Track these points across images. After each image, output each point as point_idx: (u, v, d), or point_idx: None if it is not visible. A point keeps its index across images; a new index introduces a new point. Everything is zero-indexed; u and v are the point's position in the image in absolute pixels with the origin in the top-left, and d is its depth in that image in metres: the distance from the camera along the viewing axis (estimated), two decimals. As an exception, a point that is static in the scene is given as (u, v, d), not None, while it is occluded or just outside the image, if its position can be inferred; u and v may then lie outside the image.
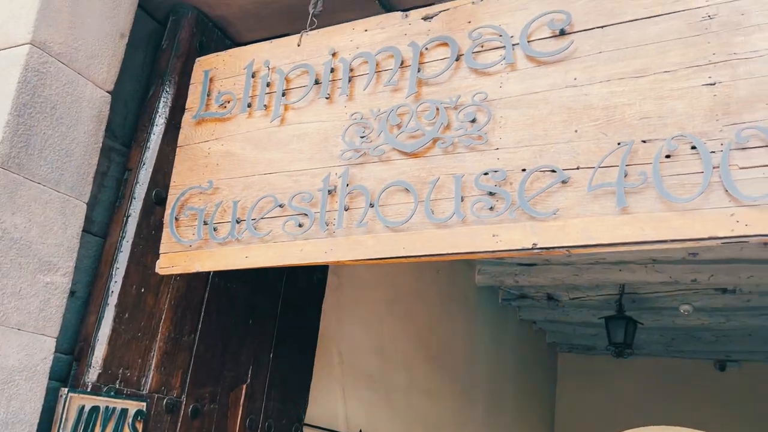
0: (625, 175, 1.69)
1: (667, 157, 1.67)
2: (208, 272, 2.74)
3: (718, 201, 1.57)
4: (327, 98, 2.26)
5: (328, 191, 2.11)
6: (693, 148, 1.64)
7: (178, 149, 2.56)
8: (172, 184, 2.49)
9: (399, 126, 2.08)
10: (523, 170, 1.84)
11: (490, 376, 6.63)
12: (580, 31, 1.91)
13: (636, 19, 1.83)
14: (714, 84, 1.67)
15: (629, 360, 8.68)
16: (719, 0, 1.73)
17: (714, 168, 1.59)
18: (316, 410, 3.82)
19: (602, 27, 1.88)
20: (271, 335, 3.24)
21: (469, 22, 2.10)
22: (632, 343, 6.01)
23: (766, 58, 1.63)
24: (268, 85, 2.41)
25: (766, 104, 1.59)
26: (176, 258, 2.32)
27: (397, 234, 1.96)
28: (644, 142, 1.71)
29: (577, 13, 1.92)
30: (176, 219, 2.38)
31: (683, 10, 1.78)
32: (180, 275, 2.54)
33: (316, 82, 2.31)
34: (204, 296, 2.75)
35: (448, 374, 5.65)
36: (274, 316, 3.28)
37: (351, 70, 2.25)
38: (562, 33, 1.92)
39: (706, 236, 1.56)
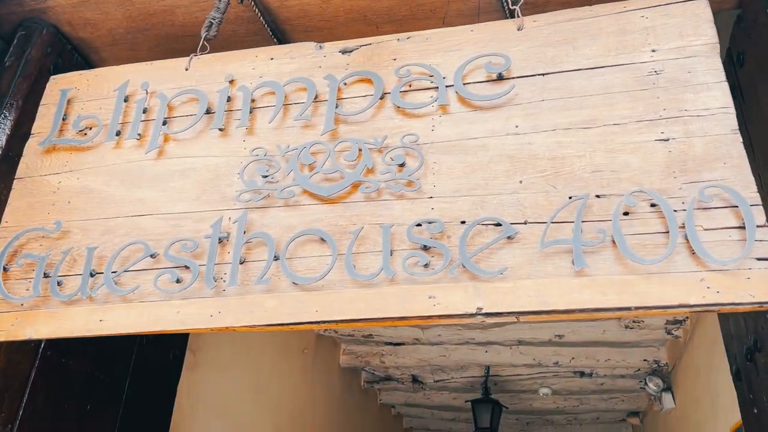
0: (581, 232, 1.49)
1: (626, 214, 1.50)
2: (39, 343, 2.13)
3: (686, 264, 1.41)
4: (221, 130, 1.88)
5: (219, 239, 1.69)
6: (653, 205, 1.49)
7: (15, 182, 2.00)
8: (2, 225, 1.92)
9: (312, 166, 1.75)
10: (463, 222, 1.58)
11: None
12: (520, 77, 1.74)
13: (579, 69, 1.71)
14: (668, 140, 1.56)
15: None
16: (664, 57, 1.66)
17: (679, 228, 1.43)
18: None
19: (543, 75, 1.73)
20: (114, 424, 2.61)
21: (395, 59, 1.87)
22: (497, 428, 5.88)
23: (718, 117, 1.55)
24: (144, 111, 1.98)
25: (723, 164, 1.49)
26: (1, 320, 1.73)
27: (309, 294, 1.58)
28: (599, 197, 1.54)
29: (516, 59, 1.76)
30: (5, 269, 1.81)
31: (628, 64, 1.68)
32: (1, 345, 1.93)
33: (208, 112, 1.93)
34: (30, 374, 2.12)
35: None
36: (118, 400, 2.66)
37: (253, 100, 1.90)
38: (500, 77, 1.75)
39: (676, 303, 1.38)
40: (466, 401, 6.16)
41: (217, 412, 3.81)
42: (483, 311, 1.47)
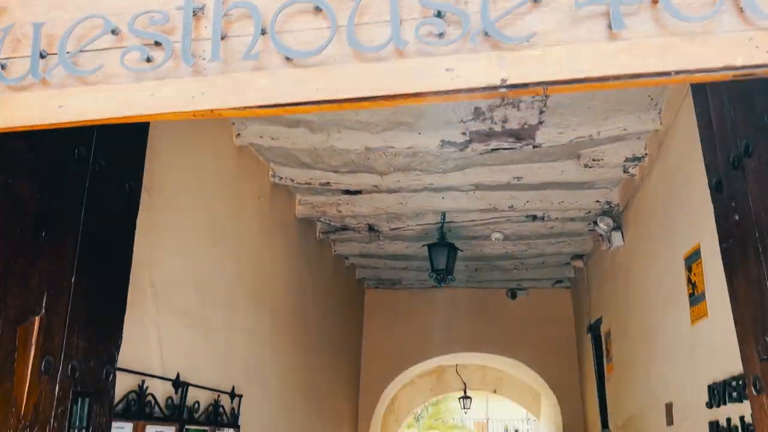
0: (619, -9, 1.32)
1: (666, -32, 1.33)
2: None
3: (733, 23, 1.28)
4: None
5: (193, 11, 1.44)
6: (698, -41, 1.32)
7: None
8: None
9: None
10: (482, -16, 1.38)
11: (306, 312, 6.25)
12: None
13: None
14: None
15: (431, 292, 8.97)
16: None
17: (728, -19, 1.28)
18: (127, 351, 3.08)
19: None
20: (73, 253, 2.43)
21: None
22: (453, 269, 6.04)
23: None
24: None
25: None
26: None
27: (307, 71, 1.38)
28: (637, -48, 1.35)
29: None
30: (-70, 55, 1.51)
31: None
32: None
33: None
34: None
35: (268, 312, 5.13)
36: (75, 228, 2.46)
37: None
38: None
39: (720, 66, 1.26)
40: (423, 245, 6.26)
41: (175, 251, 3.68)
42: (507, 83, 1.32)
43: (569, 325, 8.40)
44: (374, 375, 8.76)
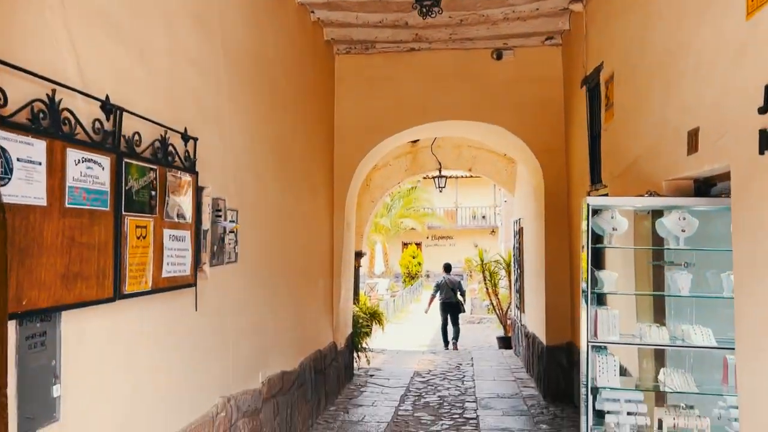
0: None
1: None
2: None
3: None
4: None
5: None
6: None
7: None
8: None
9: None
10: None
11: (270, 66, 5.43)
12: None
13: None
14: None
15: (408, 57, 8.13)
16: None
17: None
18: (18, 44, 2.30)
19: None
20: None
21: None
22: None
23: None
24: None
25: None
26: None
27: None
28: None
29: None
30: None
31: None
32: None
33: None
34: None
35: (220, 44, 4.29)
36: None
37: None
38: None
39: None
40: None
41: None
42: None
43: (557, 85, 7.76)
44: (348, 148, 8.21)
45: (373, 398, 7.99)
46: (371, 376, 9.54)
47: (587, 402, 3.80)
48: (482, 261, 13.46)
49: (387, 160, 12.68)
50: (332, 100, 8.11)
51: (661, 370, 3.93)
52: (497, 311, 13.66)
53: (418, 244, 37.21)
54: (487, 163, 12.37)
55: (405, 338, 16.48)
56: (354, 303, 12.35)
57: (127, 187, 2.91)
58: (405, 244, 36.97)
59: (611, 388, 3.81)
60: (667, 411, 3.80)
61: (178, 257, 3.43)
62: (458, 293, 13.59)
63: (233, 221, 4.42)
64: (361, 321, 10.36)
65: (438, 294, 13.78)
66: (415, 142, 12.32)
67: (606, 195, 5.58)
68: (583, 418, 3.83)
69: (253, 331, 4.90)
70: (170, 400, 3.48)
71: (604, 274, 3.96)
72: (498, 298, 13.58)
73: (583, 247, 3.92)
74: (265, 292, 5.23)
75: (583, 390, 3.84)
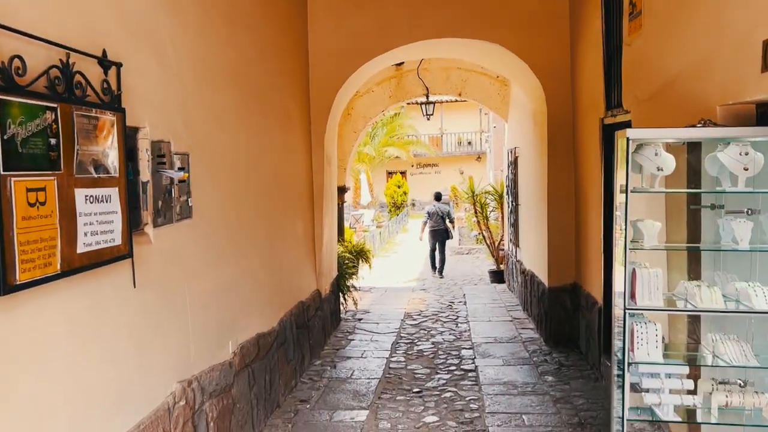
0: None
1: None
2: None
3: None
4: None
5: None
6: None
7: None
8: None
9: None
10: None
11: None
12: None
13: None
14: None
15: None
16: None
17: None
18: None
19: None
20: None
21: None
22: None
23: None
24: None
25: None
26: None
27: None
28: None
29: None
30: None
31: None
32: None
33: None
34: None
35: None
36: None
37: None
38: None
39: None
40: None
41: None
42: None
43: (563, -5, 6.79)
44: (325, 74, 7.24)
45: (362, 348, 7.40)
46: (359, 320, 8.95)
47: (622, 381, 3.12)
48: (473, 192, 12.72)
49: (369, 86, 11.67)
50: (305, 21, 7.07)
51: (708, 336, 3.25)
52: (488, 243, 13.05)
53: (403, 173, 36.41)
54: (479, 86, 11.41)
55: (393, 273, 15.96)
56: (339, 242, 11.67)
57: (5, 136, 2.05)
58: (390, 173, 36.15)
59: (649, 363, 3.14)
60: (715, 386, 3.15)
61: (102, 224, 2.61)
62: (447, 221, 14.16)
63: (183, 168, 3.57)
64: (347, 262, 9.69)
65: (428, 221, 14.37)
66: (399, 65, 11.27)
67: (628, 123, 4.78)
68: (615, 399, 3.17)
69: (219, 296, 4.16)
70: (106, 404, 2.74)
71: (645, 224, 3.20)
72: (489, 231, 12.94)
73: (619, 189, 3.14)
74: (233, 247, 4.45)
75: (616, 369, 3.16)
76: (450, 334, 8.05)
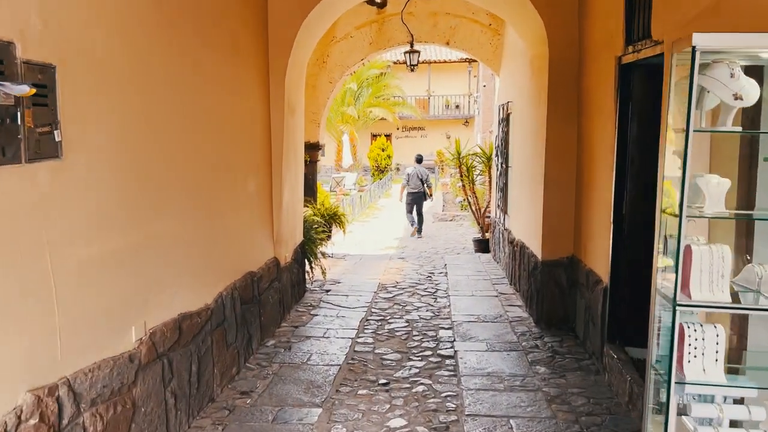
0: None
1: None
2: None
3: None
4: None
5: None
6: None
7: None
8: None
9: None
10: None
11: None
12: None
13: None
14: None
15: None
16: None
17: None
18: None
19: None
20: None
21: None
22: None
23: None
24: None
25: None
26: None
27: None
28: None
29: None
30: None
31: None
32: None
33: None
34: None
35: None
36: None
37: None
38: None
39: None
40: None
41: None
42: None
43: None
44: (286, 2, 6.09)
45: (325, 325, 6.40)
46: (327, 291, 7.96)
47: (666, 407, 2.13)
48: (459, 154, 11.65)
49: (347, 30, 10.47)
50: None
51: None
52: (473, 210, 12.06)
53: (388, 136, 35.18)
54: (469, 34, 10.25)
55: (372, 238, 14.97)
56: (310, 204, 10.60)
57: None
58: (374, 136, 34.88)
59: (706, 384, 2.14)
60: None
61: None
62: (425, 184, 14.39)
63: (42, 85, 2.48)
64: (315, 227, 8.63)
65: (407, 183, 14.63)
66: (381, 8, 10.08)
67: (656, 59, 3.73)
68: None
69: (113, 268, 3.10)
70: None
71: (708, 181, 2.17)
72: (476, 196, 11.92)
73: (674, 127, 2.10)
74: (138, 204, 3.37)
75: (656, 389, 2.16)
76: (427, 311, 7.08)
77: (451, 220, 17.85)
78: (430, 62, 34.26)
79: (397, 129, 35.48)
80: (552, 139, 6.04)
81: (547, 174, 6.10)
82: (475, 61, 29.56)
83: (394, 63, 33.27)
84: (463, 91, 34.56)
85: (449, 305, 7.30)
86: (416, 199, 14.42)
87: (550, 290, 6.18)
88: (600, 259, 5.06)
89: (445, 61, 34.16)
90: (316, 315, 6.79)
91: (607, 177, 4.80)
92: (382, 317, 6.78)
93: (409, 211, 14.72)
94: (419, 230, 14.59)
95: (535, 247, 6.57)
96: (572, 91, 5.91)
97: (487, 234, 11.56)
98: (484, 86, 17.42)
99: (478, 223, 12.03)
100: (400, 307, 7.26)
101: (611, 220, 4.71)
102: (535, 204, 6.53)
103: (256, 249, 5.72)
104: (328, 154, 34.78)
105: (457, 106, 35.37)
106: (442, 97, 35.33)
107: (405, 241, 14.41)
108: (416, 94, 34.60)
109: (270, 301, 5.95)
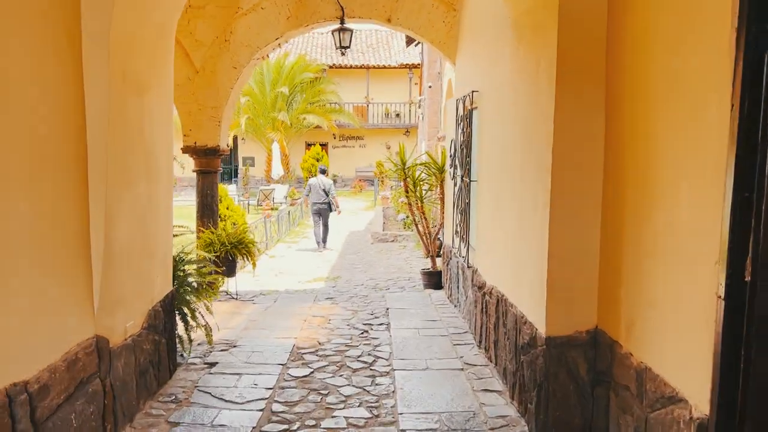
0: None
1: None
2: None
3: None
4: None
5: None
6: None
7: None
8: None
9: None
10: None
11: None
12: None
13: None
14: None
15: None
16: None
17: None
18: None
19: None
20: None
21: None
22: None
23: None
24: None
25: None
26: None
27: None
28: None
29: None
30: None
31: None
32: None
33: None
34: None
35: None
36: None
37: None
38: None
39: None
40: None
41: None
42: None
43: None
44: None
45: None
46: (212, 365, 5.34)
47: None
48: (404, 164, 9.21)
49: (256, 0, 7.92)
50: None
51: None
52: (421, 233, 9.65)
53: (324, 145, 32.61)
54: (416, 9, 7.88)
55: (299, 264, 12.41)
56: (205, 231, 7.92)
57: None
58: (309, 145, 32.22)
59: None
60: None
61: None
62: (329, 195, 13.89)
63: None
64: (200, 267, 5.98)
65: (310, 194, 14.01)
66: (301, -32, 7.59)
67: None
68: None
69: None
70: None
71: None
72: (425, 218, 9.51)
73: None
74: None
75: None
76: (360, 405, 4.56)
77: (393, 241, 15.43)
78: (369, 67, 31.99)
79: (334, 138, 32.99)
80: (563, 139, 3.66)
81: (556, 193, 3.71)
82: (416, 66, 27.38)
83: (330, 67, 30.90)
84: (404, 98, 32.45)
85: (394, 391, 4.81)
86: (321, 211, 13.95)
87: (560, 385, 3.77)
88: (678, 355, 2.68)
89: (384, 67, 31.99)
90: (178, 425, 4.14)
91: (704, 205, 2.43)
92: (285, 426, 4.19)
93: (316, 223, 14.20)
94: (324, 241, 14.12)
95: (532, 310, 4.16)
96: (598, 61, 3.57)
97: (438, 263, 9.17)
98: (430, 87, 15.13)
99: (428, 251, 9.62)
100: (319, 397, 4.71)
101: (722, 291, 2.34)
102: (530, 239, 4.13)
103: (40, 332, 3.06)
104: (259, 163, 31.90)
105: (398, 115, 33.20)
106: (382, 104, 33.09)
107: (338, 268, 11.89)
108: (354, 101, 32.28)
109: (72, 423, 3.28)
